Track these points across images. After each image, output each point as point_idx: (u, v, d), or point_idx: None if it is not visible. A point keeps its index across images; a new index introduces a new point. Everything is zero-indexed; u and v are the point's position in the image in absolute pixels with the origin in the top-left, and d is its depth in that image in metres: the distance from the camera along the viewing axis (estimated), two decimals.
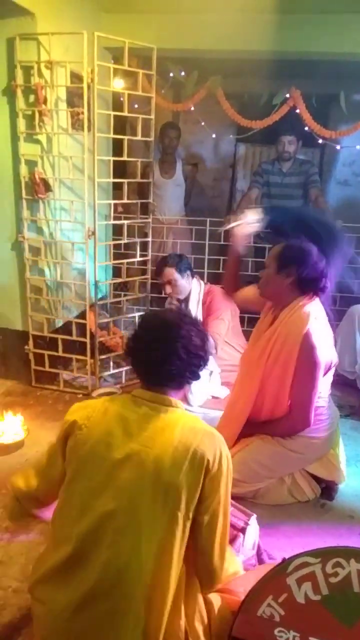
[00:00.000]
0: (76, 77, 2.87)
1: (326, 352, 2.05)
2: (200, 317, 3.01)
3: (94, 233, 2.94)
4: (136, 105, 3.32)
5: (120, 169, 3.50)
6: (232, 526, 1.81)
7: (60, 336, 3.15)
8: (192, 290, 3.06)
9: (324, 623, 1.15)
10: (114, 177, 3.13)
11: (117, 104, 3.24)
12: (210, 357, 2.71)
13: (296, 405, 2.09)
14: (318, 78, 4.03)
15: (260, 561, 1.79)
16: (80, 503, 1.22)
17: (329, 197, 4.97)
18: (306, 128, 3.67)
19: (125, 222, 3.21)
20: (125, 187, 3.12)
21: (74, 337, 3.14)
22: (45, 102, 2.80)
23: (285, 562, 1.23)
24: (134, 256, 3.35)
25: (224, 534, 1.26)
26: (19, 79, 2.79)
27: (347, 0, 3.16)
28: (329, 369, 2.13)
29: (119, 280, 3.39)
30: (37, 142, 2.94)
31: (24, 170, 2.91)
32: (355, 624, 1.14)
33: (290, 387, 2.07)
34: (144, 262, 3.43)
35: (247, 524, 1.83)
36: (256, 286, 2.25)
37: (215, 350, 2.91)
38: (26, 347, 3.18)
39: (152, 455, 1.19)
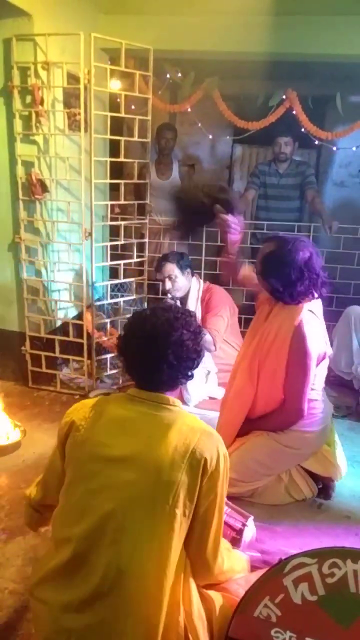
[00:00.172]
0: (73, 78, 2.88)
1: (318, 343, 2.07)
2: (199, 314, 3.02)
3: (90, 234, 2.94)
4: (133, 107, 3.32)
5: (117, 170, 3.49)
6: (230, 527, 1.82)
7: (57, 337, 3.15)
8: (192, 288, 3.07)
9: (321, 624, 1.15)
10: (111, 178, 3.13)
11: (114, 105, 3.25)
12: (208, 357, 2.71)
13: (289, 396, 2.10)
14: (314, 80, 4.04)
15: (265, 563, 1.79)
16: (80, 504, 1.22)
17: (326, 198, 4.98)
18: (302, 129, 3.68)
19: (122, 223, 3.22)
20: (122, 188, 3.13)
21: (71, 338, 3.14)
22: (42, 103, 2.80)
23: (282, 563, 1.23)
24: (131, 257, 3.35)
25: (217, 531, 1.27)
26: (16, 79, 2.79)
27: (343, 2, 3.17)
28: (322, 359, 2.14)
29: (115, 281, 3.39)
30: (34, 143, 2.94)
31: (20, 171, 2.91)
32: (352, 625, 1.14)
33: (284, 378, 2.08)
34: (141, 263, 3.43)
35: (244, 525, 1.84)
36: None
37: (215, 347, 2.91)
38: (23, 348, 3.18)
39: (151, 455, 1.19)
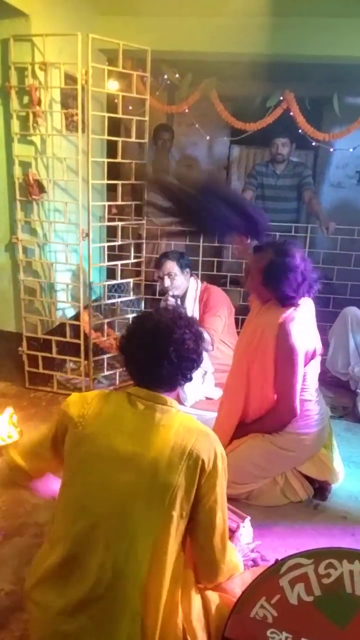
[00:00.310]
0: (70, 79, 2.87)
1: (305, 339, 2.08)
2: (197, 314, 3.03)
3: (88, 234, 2.94)
4: (130, 107, 3.33)
5: (114, 171, 3.50)
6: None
7: (54, 337, 3.14)
8: (189, 288, 3.08)
9: (317, 624, 1.16)
10: (108, 178, 3.13)
11: (111, 106, 3.25)
12: (205, 357, 2.72)
13: (280, 394, 2.11)
14: (311, 81, 4.05)
15: (254, 563, 1.80)
16: (77, 503, 1.22)
17: (323, 199, 4.99)
18: (300, 131, 3.69)
19: (120, 223, 3.22)
20: (119, 189, 3.13)
21: (68, 339, 3.14)
22: (39, 103, 2.79)
23: (279, 564, 1.23)
24: (128, 258, 3.35)
25: (223, 529, 1.27)
26: (13, 80, 2.79)
27: (341, 4, 3.18)
28: (312, 357, 2.15)
29: (113, 281, 3.39)
30: (31, 143, 2.93)
31: (17, 171, 2.90)
32: (348, 625, 1.15)
33: (274, 377, 2.09)
34: (138, 264, 3.43)
35: (241, 526, 1.84)
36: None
37: (212, 347, 2.91)
38: (20, 348, 3.17)
39: (148, 456, 1.19)
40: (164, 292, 3.16)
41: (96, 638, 1.15)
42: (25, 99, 2.83)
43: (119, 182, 3.14)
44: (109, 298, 3.49)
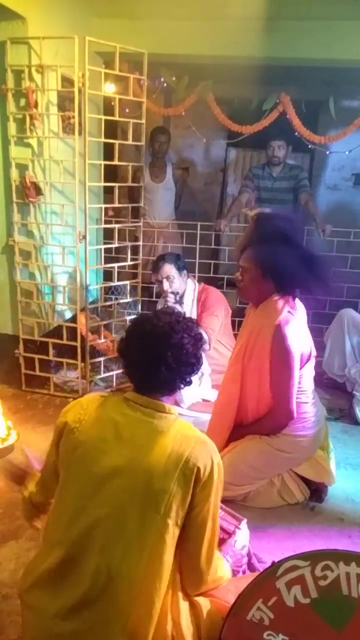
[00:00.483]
0: (67, 81, 2.88)
1: (300, 342, 2.08)
2: (194, 314, 3.04)
3: (84, 237, 2.94)
4: (127, 110, 3.33)
5: (111, 173, 3.50)
6: (223, 530, 1.81)
7: (51, 340, 3.14)
8: (187, 289, 3.10)
9: (313, 626, 1.16)
10: (105, 181, 3.13)
11: (108, 109, 3.25)
12: (203, 358, 2.72)
13: (277, 397, 2.11)
14: (307, 84, 4.07)
15: (250, 565, 1.79)
16: (72, 508, 1.21)
17: (319, 202, 5.01)
18: (296, 133, 3.70)
19: (116, 225, 3.22)
20: (116, 191, 3.13)
21: (65, 341, 3.13)
22: (36, 106, 2.80)
23: (275, 566, 1.23)
24: (125, 260, 3.36)
25: (211, 539, 1.26)
26: (10, 82, 2.79)
27: (336, 8, 3.20)
28: (307, 360, 2.15)
29: (110, 283, 3.39)
30: (28, 145, 2.93)
31: (14, 173, 2.90)
32: (344, 627, 1.15)
33: (269, 380, 2.09)
34: (135, 266, 3.44)
35: (237, 528, 1.84)
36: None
37: (209, 346, 2.92)
38: (16, 351, 3.17)
39: (143, 462, 1.18)
40: (161, 294, 3.17)
41: None
42: (22, 102, 2.83)
43: (116, 185, 3.14)
44: (105, 300, 3.49)
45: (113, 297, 3.53)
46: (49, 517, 1.30)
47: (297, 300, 2.16)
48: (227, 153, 5.60)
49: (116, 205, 3.20)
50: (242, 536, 1.84)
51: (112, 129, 3.58)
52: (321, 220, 3.80)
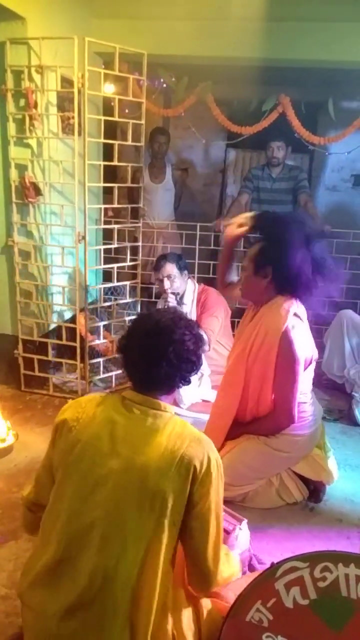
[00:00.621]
0: (67, 82, 2.88)
1: (305, 347, 2.08)
2: (194, 315, 3.04)
3: (84, 237, 2.94)
4: (127, 111, 3.33)
5: (110, 174, 3.50)
6: (224, 531, 1.82)
7: (50, 340, 3.14)
8: (187, 289, 3.10)
9: (312, 627, 1.16)
10: (105, 181, 3.13)
11: (107, 109, 3.25)
12: (202, 358, 2.73)
13: (279, 401, 2.11)
14: (307, 85, 4.07)
15: (250, 566, 1.80)
16: (69, 506, 1.21)
17: (318, 203, 5.02)
18: (295, 134, 3.70)
19: (116, 226, 3.22)
20: (116, 192, 3.13)
21: (64, 342, 3.13)
22: (35, 106, 2.80)
23: (274, 567, 1.23)
24: (124, 260, 3.36)
25: (217, 538, 1.25)
26: (9, 83, 2.79)
27: (336, 9, 3.21)
28: (309, 364, 2.15)
29: (109, 284, 3.39)
30: (28, 146, 2.93)
31: (14, 174, 2.90)
32: (343, 628, 1.15)
33: (272, 383, 2.09)
34: (134, 267, 3.44)
35: (238, 528, 1.84)
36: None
37: (209, 347, 2.92)
38: (16, 351, 3.16)
39: (138, 461, 1.18)
40: (160, 294, 3.16)
41: None
42: (22, 102, 2.83)
43: (116, 185, 3.14)
44: (105, 301, 3.49)
45: (112, 297, 3.53)
46: (45, 514, 1.30)
47: (299, 302, 2.15)
48: (227, 154, 5.60)
49: (115, 205, 3.20)
50: (243, 537, 1.84)
51: (111, 130, 3.58)
52: (320, 221, 3.80)
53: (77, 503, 1.20)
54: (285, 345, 2.02)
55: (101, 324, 3.26)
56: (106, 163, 3.14)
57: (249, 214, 2.33)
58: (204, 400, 2.99)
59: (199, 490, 1.19)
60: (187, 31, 3.38)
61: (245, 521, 1.88)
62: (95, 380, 3.29)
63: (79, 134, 2.86)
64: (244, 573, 1.67)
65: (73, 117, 2.83)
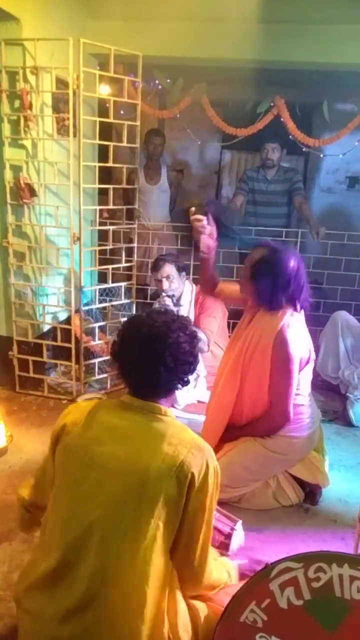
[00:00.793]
0: (62, 83, 2.88)
1: (301, 347, 2.09)
2: (192, 316, 3.05)
3: (79, 238, 2.94)
4: (122, 112, 3.33)
5: (105, 175, 3.50)
6: (219, 532, 1.82)
7: (44, 342, 3.13)
8: (185, 290, 3.11)
9: (306, 628, 1.16)
10: (100, 182, 3.13)
11: (102, 110, 3.25)
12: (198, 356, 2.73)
13: (274, 400, 2.11)
14: (302, 87, 4.09)
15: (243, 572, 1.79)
16: (68, 510, 1.21)
17: (313, 205, 5.03)
18: (290, 136, 3.71)
19: (111, 227, 3.22)
20: (111, 193, 3.13)
21: (59, 343, 3.13)
22: (30, 107, 2.79)
23: (268, 568, 1.23)
24: (120, 262, 3.36)
25: (204, 542, 1.26)
26: (4, 84, 2.79)
27: (331, 11, 3.22)
28: (306, 364, 2.16)
29: (104, 285, 3.39)
30: (22, 147, 2.93)
31: (8, 175, 2.90)
32: (337, 629, 1.15)
33: (268, 383, 2.09)
34: (130, 268, 3.44)
35: (233, 529, 1.84)
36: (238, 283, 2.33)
37: (207, 347, 2.93)
38: (10, 352, 3.16)
39: (138, 465, 1.18)
40: (157, 295, 3.17)
41: None
42: (17, 103, 2.83)
43: (111, 186, 3.14)
44: (100, 302, 3.49)
45: (107, 298, 3.53)
46: (44, 520, 1.29)
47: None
48: (222, 155, 5.61)
49: (111, 207, 3.19)
50: (238, 537, 1.85)
51: (106, 131, 3.58)
52: (315, 222, 3.81)
53: (76, 507, 1.20)
54: (280, 343, 2.03)
55: (96, 325, 3.25)
56: (101, 164, 3.14)
57: (195, 211, 2.35)
58: (199, 401, 3.00)
59: (194, 496, 1.20)
60: (182, 33, 3.39)
61: (240, 522, 1.88)
62: (91, 381, 3.29)
63: (74, 135, 2.86)
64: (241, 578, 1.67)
65: (68, 119, 2.83)
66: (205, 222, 2.28)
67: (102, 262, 3.40)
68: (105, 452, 1.22)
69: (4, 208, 2.96)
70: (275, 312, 2.10)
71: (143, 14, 3.33)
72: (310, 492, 2.30)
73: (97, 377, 3.28)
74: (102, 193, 3.47)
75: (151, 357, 1.27)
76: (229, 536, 1.82)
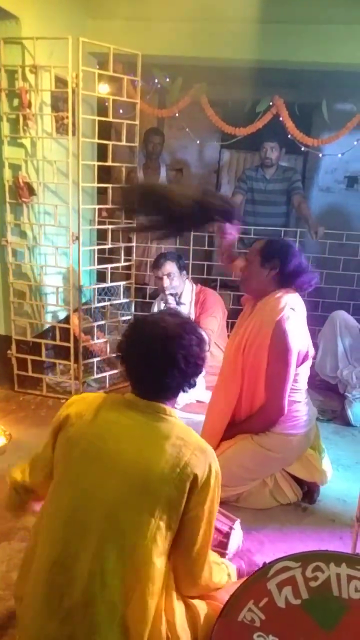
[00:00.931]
0: (61, 82, 2.87)
1: (300, 340, 2.08)
2: (193, 315, 3.05)
3: (78, 237, 2.94)
4: (121, 111, 3.33)
5: (104, 174, 3.50)
6: (217, 531, 1.82)
7: (43, 341, 3.13)
8: (185, 290, 3.11)
9: (304, 627, 1.16)
10: (99, 181, 3.13)
11: (102, 109, 3.25)
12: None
13: (269, 392, 2.11)
14: (301, 87, 4.09)
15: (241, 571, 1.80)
16: (68, 506, 1.21)
17: (312, 204, 5.03)
18: (289, 136, 3.72)
19: (110, 226, 3.21)
20: (110, 192, 3.13)
21: (58, 342, 3.13)
22: (29, 106, 2.79)
23: (266, 567, 1.24)
24: (118, 261, 3.35)
25: (204, 543, 1.26)
26: (3, 82, 2.78)
27: (330, 12, 3.23)
28: (305, 359, 2.16)
29: (103, 284, 3.39)
30: (21, 146, 2.93)
31: (7, 174, 2.89)
32: (335, 628, 1.16)
33: (265, 374, 2.09)
34: (129, 267, 3.44)
35: (231, 528, 1.85)
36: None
37: (208, 347, 2.93)
38: (9, 351, 3.15)
39: (140, 465, 1.18)
40: (157, 294, 3.17)
41: None
42: (16, 102, 2.82)
43: (110, 185, 3.14)
44: (99, 301, 3.49)
45: (106, 298, 3.53)
46: (42, 513, 1.29)
47: (299, 298, 2.18)
48: (221, 155, 5.61)
49: (110, 206, 3.19)
50: (236, 536, 1.85)
51: (105, 130, 3.58)
52: (314, 222, 3.82)
53: (76, 503, 1.20)
54: (279, 335, 2.03)
55: (95, 324, 3.25)
56: (100, 163, 3.13)
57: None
58: (198, 401, 3.00)
59: (196, 499, 1.19)
60: (181, 32, 3.39)
61: (238, 521, 1.89)
62: (89, 380, 3.29)
63: (73, 134, 2.86)
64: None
65: (67, 117, 2.82)
66: (231, 232, 2.33)
67: (101, 261, 3.39)
68: (108, 448, 1.21)
69: (3, 207, 2.96)
70: (273, 302, 2.10)
71: (142, 13, 3.33)
72: (309, 491, 2.31)
73: (96, 376, 3.28)
74: (101, 192, 3.47)
75: (164, 357, 1.26)
76: (227, 535, 1.82)
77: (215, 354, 3.07)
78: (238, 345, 2.18)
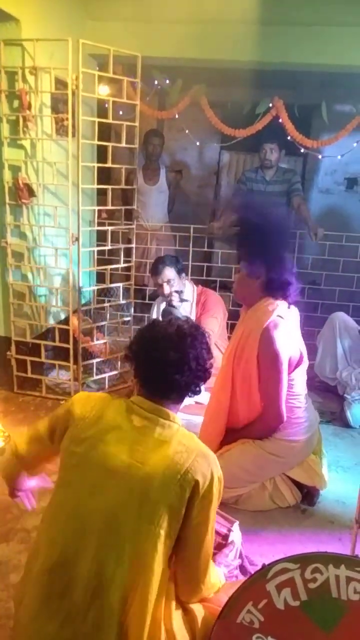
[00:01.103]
0: (61, 84, 2.88)
1: (289, 346, 2.08)
2: (194, 316, 3.05)
3: (77, 239, 2.94)
4: (121, 112, 3.33)
5: (104, 176, 3.50)
6: (216, 533, 1.82)
7: (43, 342, 3.13)
8: (186, 291, 3.10)
9: (303, 629, 1.16)
10: (98, 183, 3.13)
11: (101, 111, 3.25)
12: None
13: (265, 400, 2.11)
14: (300, 88, 4.10)
15: (242, 567, 1.80)
16: (69, 509, 1.21)
17: (311, 206, 5.04)
18: (289, 137, 3.72)
19: (109, 228, 3.22)
20: (110, 194, 3.13)
21: (57, 343, 3.13)
22: (29, 107, 2.79)
23: (265, 568, 1.24)
24: (118, 262, 3.36)
25: (208, 550, 1.26)
26: (3, 84, 2.79)
27: (329, 13, 3.23)
28: (298, 364, 2.15)
29: (102, 286, 3.39)
30: (21, 147, 2.93)
31: (7, 175, 2.90)
32: (334, 630, 1.15)
33: (258, 384, 2.09)
34: (128, 268, 3.44)
35: (230, 530, 1.84)
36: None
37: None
38: (8, 352, 3.15)
39: (142, 471, 1.18)
40: (156, 295, 3.16)
41: None
42: (16, 103, 2.83)
43: (109, 187, 3.14)
44: (98, 302, 3.49)
45: (106, 299, 3.53)
46: (45, 515, 1.29)
47: (291, 306, 2.17)
48: (221, 156, 5.61)
49: (109, 207, 3.20)
50: (235, 539, 1.85)
51: (105, 132, 3.58)
52: (313, 223, 3.82)
53: (77, 506, 1.20)
54: (266, 342, 2.03)
55: (94, 325, 3.26)
56: (100, 165, 3.14)
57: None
58: (197, 403, 2.99)
59: (198, 505, 1.19)
60: (181, 34, 3.39)
61: (237, 523, 1.88)
62: (89, 381, 3.29)
63: (73, 136, 2.86)
64: (235, 577, 1.67)
65: (67, 119, 2.83)
66: None
67: (100, 262, 3.40)
68: (109, 452, 1.21)
69: (3, 208, 2.97)
70: (261, 310, 2.09)
71: (142, 15, 3.34)
72: (308, 493, 2.31)
73: (95, 377, 3.28)
74: (101, 193, 3.48)
75: (177, 354, 1.28)
76: (225, 537, 1.82)
77: (215, 355, 3.06)
78: (229, 353, 2.19)
